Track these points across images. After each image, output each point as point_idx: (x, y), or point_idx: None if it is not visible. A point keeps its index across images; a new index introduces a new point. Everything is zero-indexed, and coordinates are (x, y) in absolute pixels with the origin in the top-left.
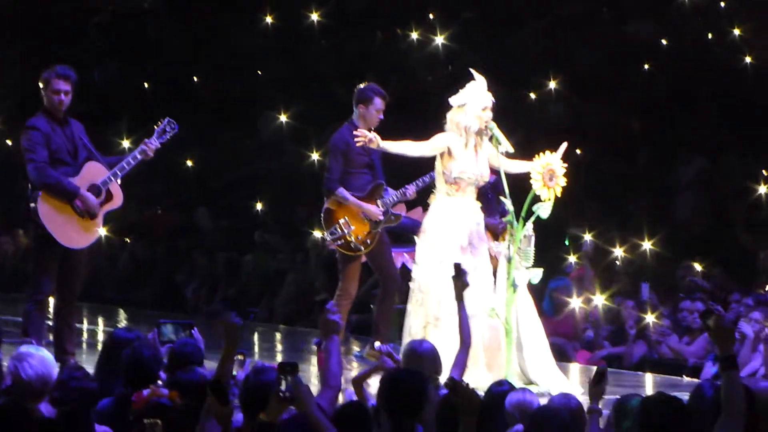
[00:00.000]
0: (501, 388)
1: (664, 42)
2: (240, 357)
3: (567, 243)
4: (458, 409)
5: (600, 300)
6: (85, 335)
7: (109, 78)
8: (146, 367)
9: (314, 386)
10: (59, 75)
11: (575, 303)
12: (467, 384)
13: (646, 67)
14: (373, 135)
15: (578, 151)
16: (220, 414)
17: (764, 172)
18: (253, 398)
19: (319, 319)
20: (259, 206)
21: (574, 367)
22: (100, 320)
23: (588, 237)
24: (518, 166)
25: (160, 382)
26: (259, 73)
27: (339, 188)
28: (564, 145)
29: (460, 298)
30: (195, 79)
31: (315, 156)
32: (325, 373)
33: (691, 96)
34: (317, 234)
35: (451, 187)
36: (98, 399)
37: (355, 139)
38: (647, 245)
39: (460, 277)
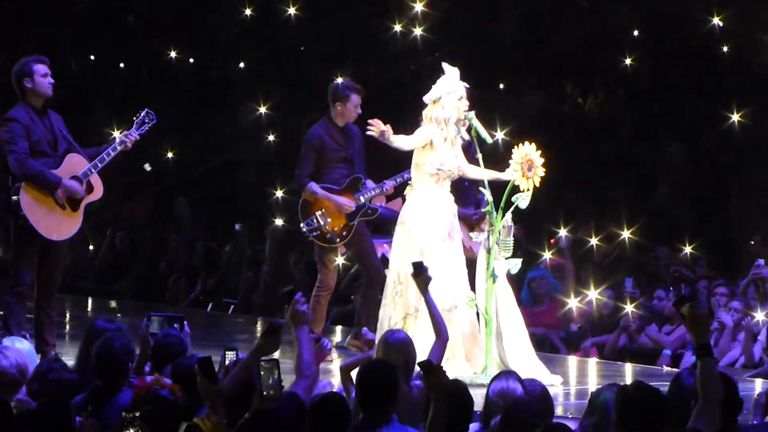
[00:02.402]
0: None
1: (638, 31)
2: (233, 353)
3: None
4: (429, 392)
5: (593, 295)
6: (66, 327)
7: (86, 67)
8: (116, 358)
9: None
10: (40, 60)
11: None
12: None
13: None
14: (386, 128)
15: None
16: (208, 392)
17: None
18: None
19: (288, 310)
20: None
21: (561, 359)
22: (82, 311)
23: (563, 232)
24: (479, 173)
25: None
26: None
27: (309, 183)
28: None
29: (425, 293)
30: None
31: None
32: (298, 362)
33: (670, 83)
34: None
35: (431, 178)
36: (77, 390)
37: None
38: (626, 234)
39: (421, 274)
